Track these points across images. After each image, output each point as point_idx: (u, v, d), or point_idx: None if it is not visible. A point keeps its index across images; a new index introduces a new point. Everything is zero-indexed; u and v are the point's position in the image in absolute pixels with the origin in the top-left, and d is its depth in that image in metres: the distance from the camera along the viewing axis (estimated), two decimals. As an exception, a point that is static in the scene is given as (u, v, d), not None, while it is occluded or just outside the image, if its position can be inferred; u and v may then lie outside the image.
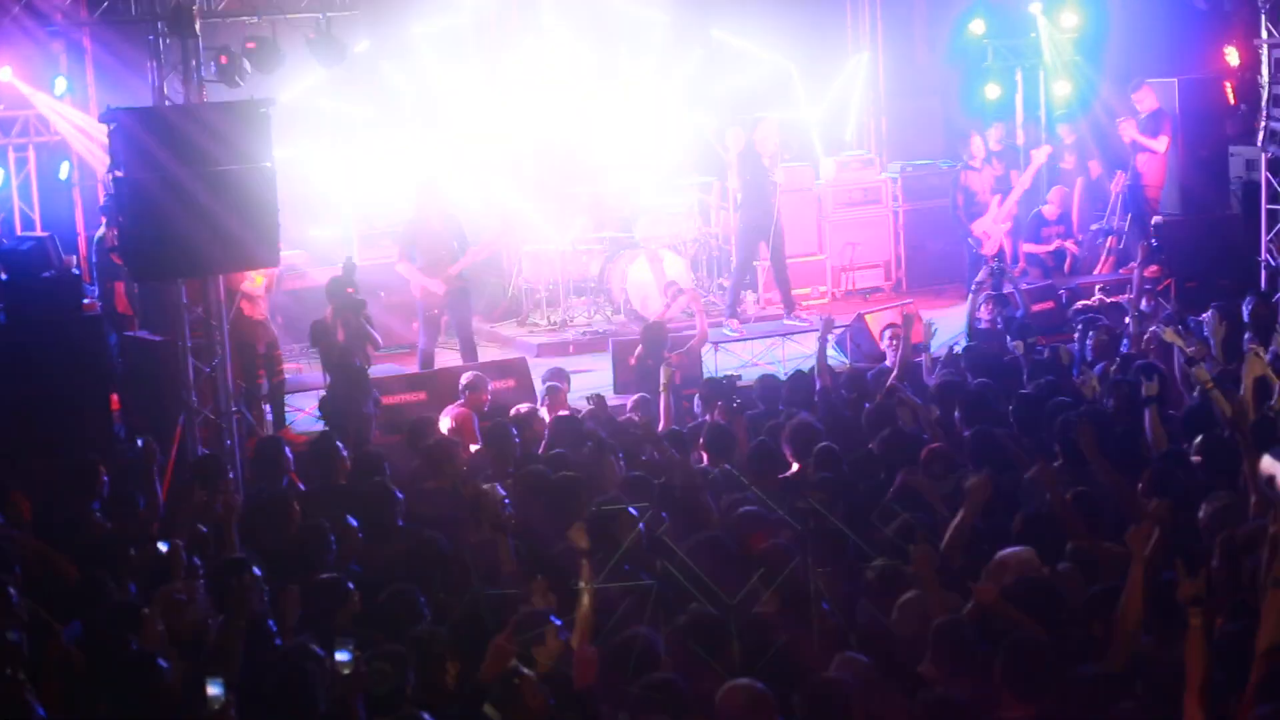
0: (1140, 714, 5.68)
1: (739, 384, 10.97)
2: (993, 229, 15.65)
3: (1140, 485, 7.81)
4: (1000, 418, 9.52)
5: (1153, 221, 16.15)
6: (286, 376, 13.18)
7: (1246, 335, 11.46)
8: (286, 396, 13.02)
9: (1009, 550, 6.90)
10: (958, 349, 12.58)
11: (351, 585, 7.01)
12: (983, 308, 13.27)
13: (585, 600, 6.55)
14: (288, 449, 9.69)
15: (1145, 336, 11.66)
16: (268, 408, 12.76)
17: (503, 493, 8.16)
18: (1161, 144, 16.31)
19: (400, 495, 8.42)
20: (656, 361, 11.79)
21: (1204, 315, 11.99)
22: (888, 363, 12.04)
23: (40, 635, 6.61)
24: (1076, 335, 12.21)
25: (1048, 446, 8.67)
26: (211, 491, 8.56)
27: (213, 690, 5.29)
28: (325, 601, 6.96)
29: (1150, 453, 8.74)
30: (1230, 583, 6.43)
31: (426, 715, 5.71)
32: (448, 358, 14.16)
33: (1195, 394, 9.63)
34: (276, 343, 13.01)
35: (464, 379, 11.55)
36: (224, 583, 6.89)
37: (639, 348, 12.67)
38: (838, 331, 13.46)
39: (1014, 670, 5.78)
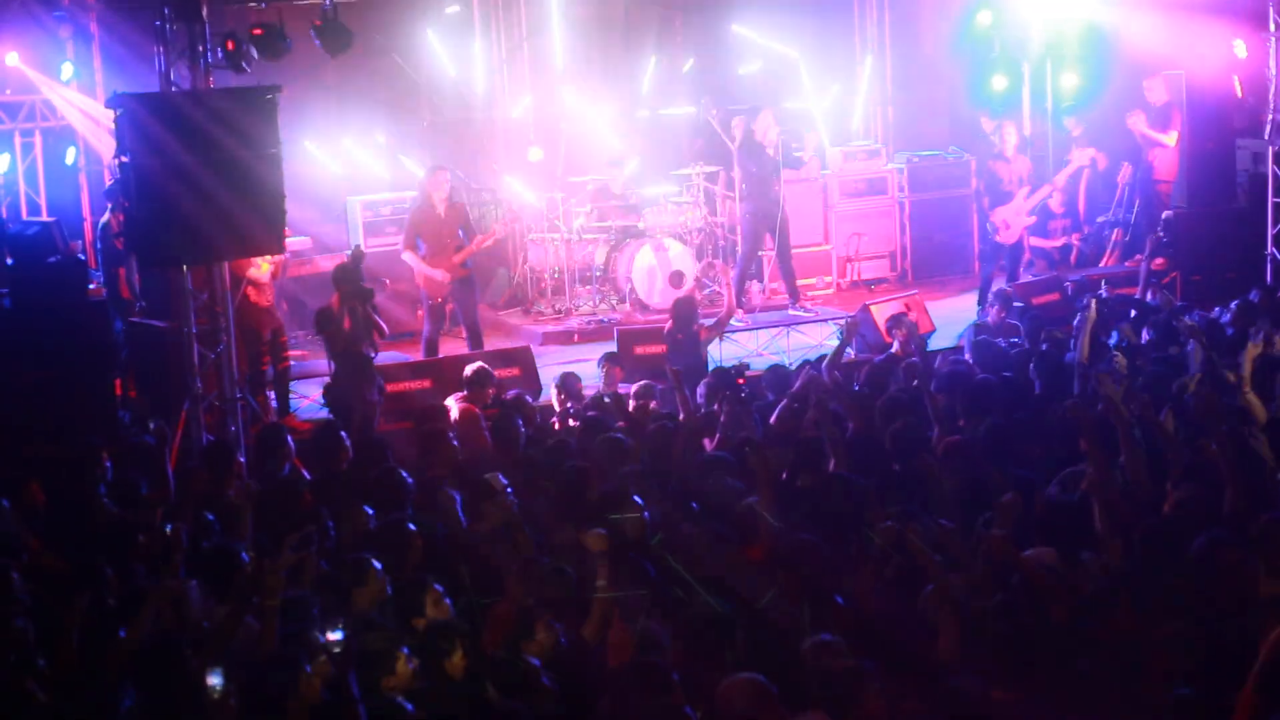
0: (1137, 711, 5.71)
1: (748, 373, 10.96)
2: (1014, 219, 15.60)
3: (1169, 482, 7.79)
4: (1002, 410, 9.52)
5: (1164, 215, 16.11)
6: (291, 363, 13.21)
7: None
8: (291, 383, 13.04)
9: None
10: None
11: (379, 566, 6.93)
12: (992, 307, 13.28)
13: (601, 606, 6.60)
14: (289, 436, 9.69)
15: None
16: (272, 394, 12.77)
17: (504, 481, 8.15)
18: (1172, 138, 16.27)
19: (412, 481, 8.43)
20: (687, 336, 11.76)
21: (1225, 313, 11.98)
22: (894, 350, 12.10)
23: (48, 621, 6.61)
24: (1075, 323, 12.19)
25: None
26: (224, 477, 8.54)
27: (212, 680, 5.30)
28: (347, 577, 6.91)
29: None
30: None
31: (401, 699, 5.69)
32: (454, 345, 14.15)
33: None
34: (282, 329, 13.01)
35: (467, 372, 11.32)
36: (221, 571, 6.89)
37: (670, 322, 12.67)
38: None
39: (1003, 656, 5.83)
